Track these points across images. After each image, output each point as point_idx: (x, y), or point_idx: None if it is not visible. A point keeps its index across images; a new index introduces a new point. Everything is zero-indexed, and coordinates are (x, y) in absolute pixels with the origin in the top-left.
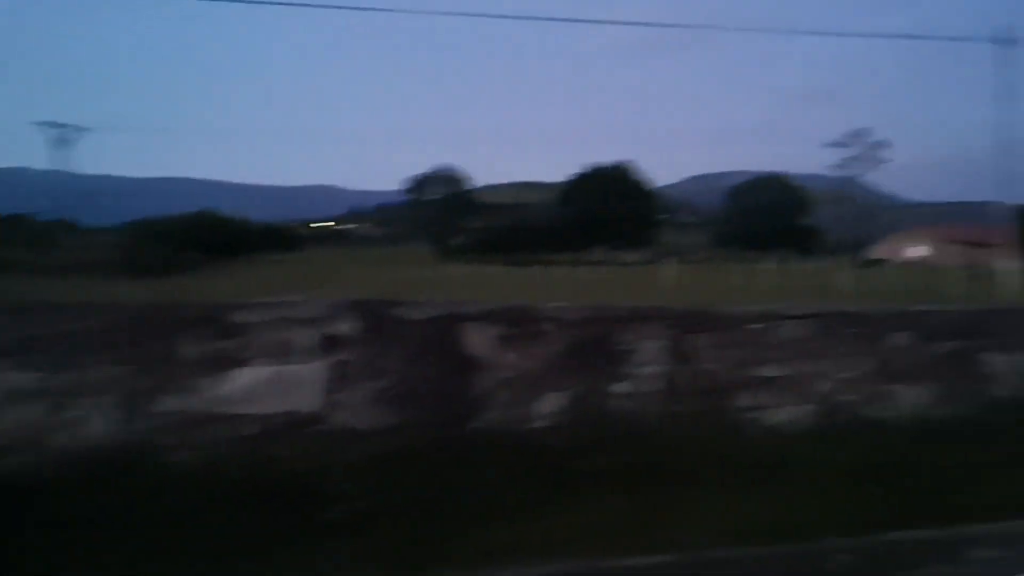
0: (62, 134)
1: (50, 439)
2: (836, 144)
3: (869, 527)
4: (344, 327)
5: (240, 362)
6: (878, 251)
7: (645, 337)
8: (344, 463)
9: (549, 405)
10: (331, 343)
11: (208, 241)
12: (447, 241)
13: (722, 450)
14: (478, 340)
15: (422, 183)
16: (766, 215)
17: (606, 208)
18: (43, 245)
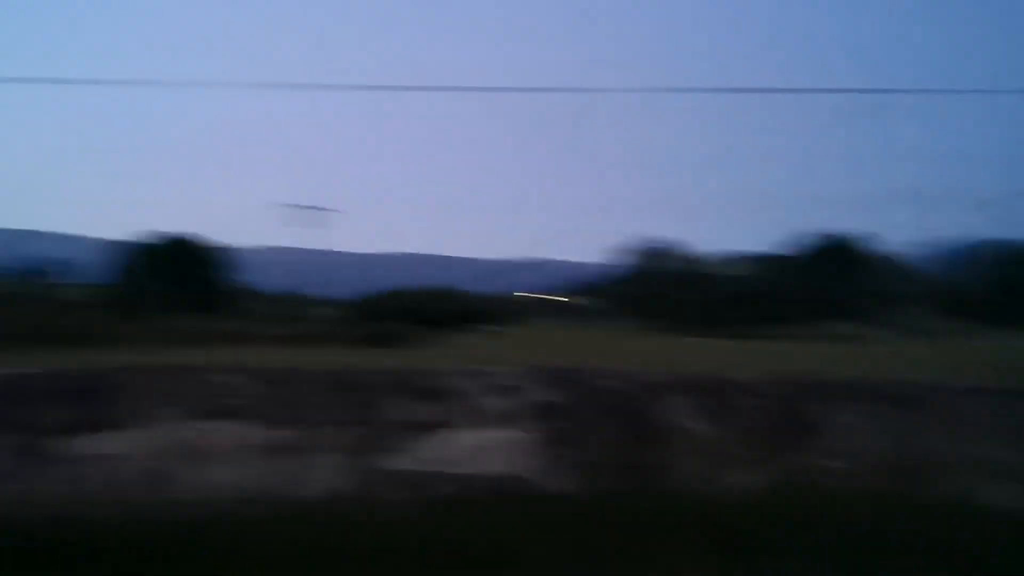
0: (308, 215)
1: (286, 491)
2: None
3: None
4: (543, 395)
5: (452, 425)
6: None
7: (844, 410)
8: (540, 523)
9: (741, 476)
10: (531, 409)
11: (437, 313)
12: (665, 313)
13: (923, 533)
14: (672, 409)
15: (640, 254)
16: (1004, 280)
17: (834, 279)
18: (293, 317)
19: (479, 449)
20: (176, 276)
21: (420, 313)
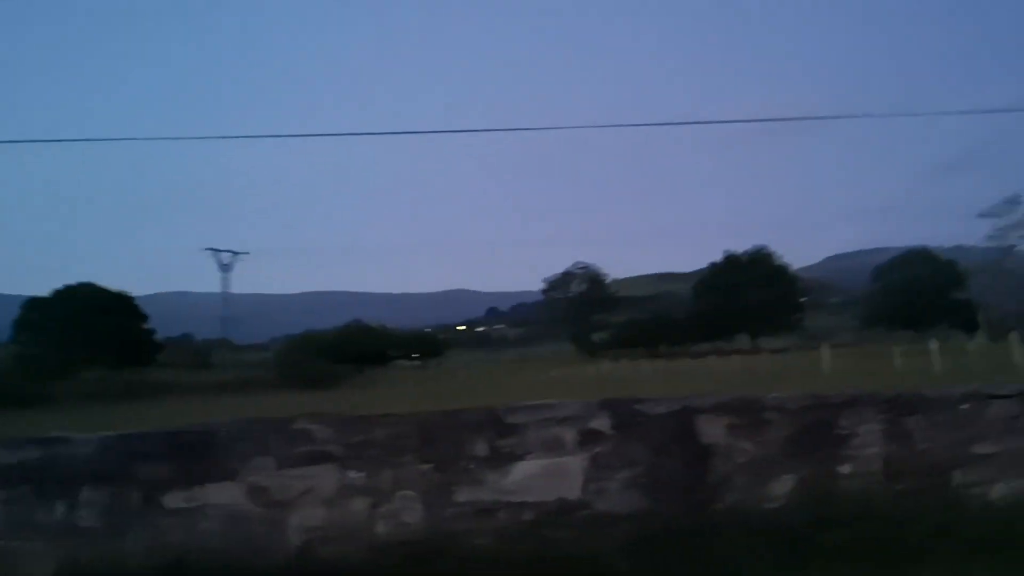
0: (222, 258)
1: (369, 529)
2: (987, 214)
3: None
4: (598, 423)
5: (517, 457)
6: None
7: (862, 421)
8: (610, 544)
9: (781, 487)
10: (588, 438)
11: (357, 351)
12: (587, 338)
13: (945, 525)
14: (712, 430)
15: (559, 281)
16: (917, 291)
17: (747, 295)
18: (203, 364)
19: (548, 476)
20: (90, 329)
21: (343, 352)
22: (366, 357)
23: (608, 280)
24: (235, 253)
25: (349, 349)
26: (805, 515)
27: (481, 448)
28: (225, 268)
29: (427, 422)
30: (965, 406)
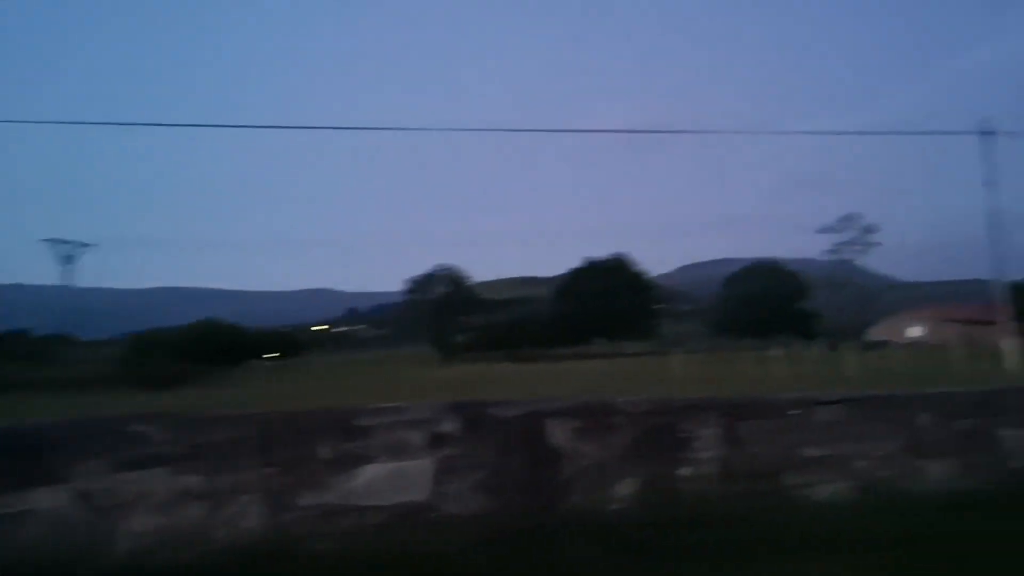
0: (64, 250)
1: (210, 535)
2: (828, 230)
3: None
4: (447, 426)
5: (364, 460)
6: (878, 332)
7: (702, 425)
8: (455, 546)
9: (624, 488)
10: (437, 440)
11: (208, 350)
12: (448, 340)
13: (777, 525)
14: (560, 433)
15: (421, 282)
16: (763, 301)
17: (605, 300)
18: (42, 360)
19: (395, 479)
20: None
21: (193, 351)
22: (219, 356)
23: (471, 282)
24: (81, 245)
25: (200, 348)
26: (646, 516)
27: (327, 451)
28: (68, 260)
29: (271, 424)
30: (795, 412)
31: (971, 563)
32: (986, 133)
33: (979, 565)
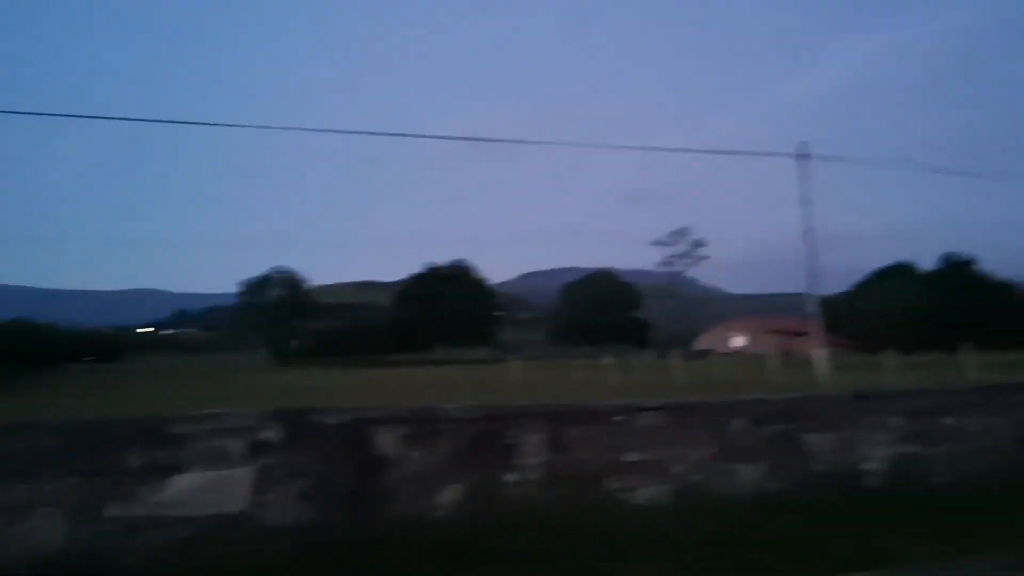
0: None
1: (3, 550)
2: (660, 243)
3: None
4: (268, 434)
5: (177, 469)
6: (704, 342)
7: (529, 431)
8: (274, 557)
9: (449, 495)
10: (258, 448)
11: (18, 352)
12: (283, 345)
13: (598, 529)
14: (385, 440)
15: (255, 284)
16: (599, 310)
17: (445, 307)
18: None
19: (211, 489)
20: None
21: (4, 354)
22: (30, 359)
23: (308, 286)
24: None
25: (9, 350)
26: (471, 523)
27: (136, 460)
28: None
29: (76, 432)
30: (619, 418)
31: (770, 559)
32: (802, 156)
33: (778, 561)
